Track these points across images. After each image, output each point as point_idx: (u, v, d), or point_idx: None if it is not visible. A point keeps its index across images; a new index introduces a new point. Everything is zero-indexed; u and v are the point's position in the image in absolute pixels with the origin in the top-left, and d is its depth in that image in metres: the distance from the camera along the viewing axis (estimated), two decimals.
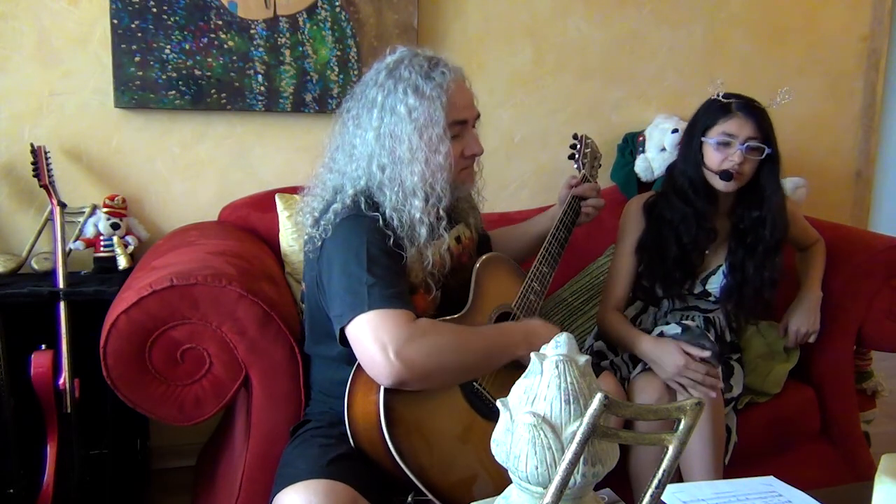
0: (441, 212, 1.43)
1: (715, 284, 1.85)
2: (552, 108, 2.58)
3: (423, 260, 1.42)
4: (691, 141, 1.80)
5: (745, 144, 1.72)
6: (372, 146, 1.40)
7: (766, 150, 1.73)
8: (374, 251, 1.34)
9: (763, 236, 1.79)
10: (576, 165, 1.90)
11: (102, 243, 2.08)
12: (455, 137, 1.43)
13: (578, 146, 1.92)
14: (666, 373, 1.67)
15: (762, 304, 1.85)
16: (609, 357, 1.87)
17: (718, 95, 1.79)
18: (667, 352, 1.67)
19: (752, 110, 1.74)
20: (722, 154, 1.74)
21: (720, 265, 1.85)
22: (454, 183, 1.46)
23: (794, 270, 2.03)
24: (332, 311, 1.35)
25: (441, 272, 1.47)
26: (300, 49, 2.25)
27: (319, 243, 1.40)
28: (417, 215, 1.39)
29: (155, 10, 2.11)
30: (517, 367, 1.47)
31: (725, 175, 1.73)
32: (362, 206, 1.38)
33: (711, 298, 1.86)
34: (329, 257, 1.37)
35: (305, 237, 1.47)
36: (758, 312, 1.91)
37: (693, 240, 1.80)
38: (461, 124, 1.45)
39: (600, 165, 1.98)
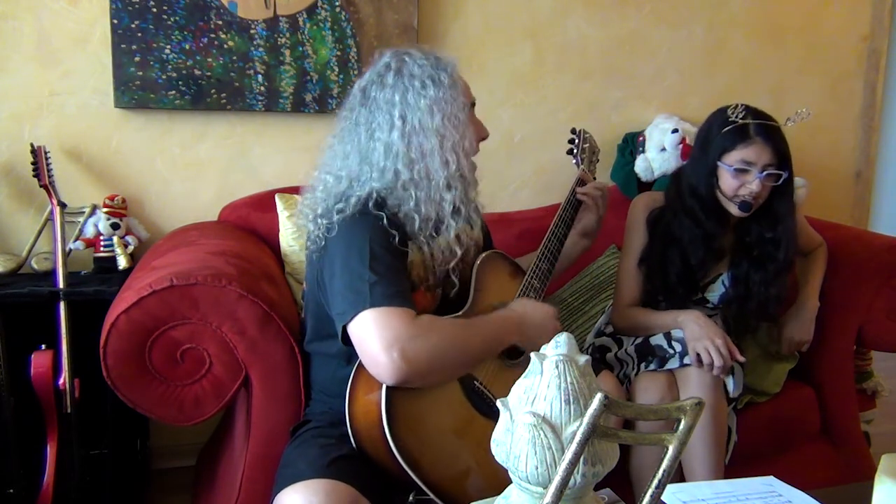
0: (472, 196, 1.47)
1: (714, 293, 1.83)
2: (552, 108, 2.58)
3: (443, 254, 1.44)
4: (705, 161, 1.73)
5: (764, 172, 1.66)
6: (397, 146, 1.40)
7: (784, 176, 1.69)
8: (377, 249, 1.34)
9: (776, 257, 1.76)
10: (574, 161, 1.90)
11: (102, 243, 2.08)
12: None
13: (577, 141, 1.92)
14: (699, 333, 1.65)
15: (765, 318, 1.84)
16: (613, 350, 1.86)
17: (736, 115, 1.69)
18: (711, 323, 1.68)
19: (771, 134, 1.67)
20: (738, 181, 1.68)
21: (720, 275, 1.83)
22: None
23: (794, 272, 2.03)
24: (333, 309, 1.35)
25: (445, 268, 1.47)
26: (300, 49, 2.25)
27: (322, 241, 1.40)
28: (448, 208, 1.41)
29: (155, 10, 2.11)
30: (515, 363, 1.48)
31: (744, 206, 1.68)
32: (370, 205, 1.38)
33: (710, 305, 1.85)
34: (332, 254, 1.37)
35: (308, 237, 1.47)
36: (758, 326, 1.90)
37: (700, 261, 1.77)
38: (471, 108, 1.49)
39: (598, 160, 1.98)
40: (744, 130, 1.67)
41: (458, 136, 1.41)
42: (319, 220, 1.41)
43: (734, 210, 1.72)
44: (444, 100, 1.40)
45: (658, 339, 1.75)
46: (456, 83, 1.43)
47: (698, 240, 1.76)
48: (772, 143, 1.66)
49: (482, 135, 1.53)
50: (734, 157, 1.68)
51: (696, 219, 1.75)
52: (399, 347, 1.24)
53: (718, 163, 1.70)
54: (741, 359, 1.66)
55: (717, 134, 1.71)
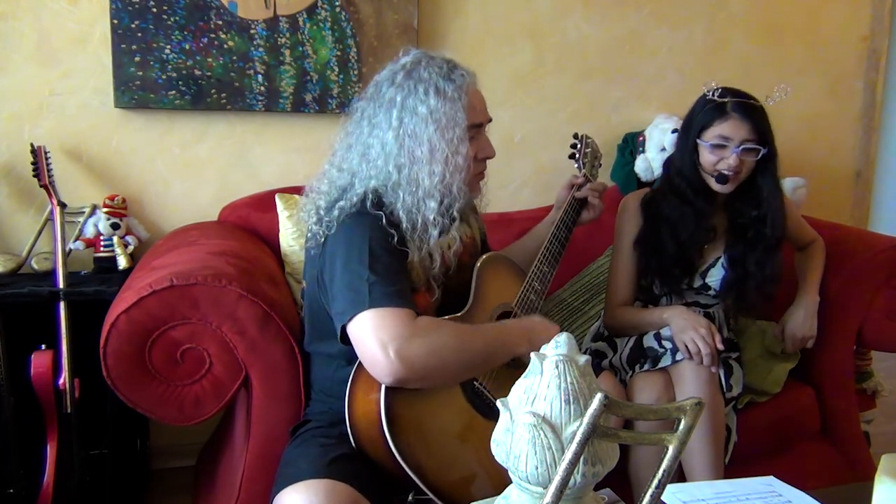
0: (455, 213, 1.44)
1: (715, 277, 1.84)
2: (552, 108, 2.58)
3: (431, 259, 1.43)
4: (687, 140, 1.79)
5: (741, 147, 1.70)
6: (391, 146, 1.40)
7: (762, 151, 1.72)
8: (377, 249, 1.34)
9: (764, 234, 1.78)
10: (576, 165, 1.91)
11: (102, 243, 2.08)
12: (471, 140, 1.44)
13: (579, 146, 1.92)
14: (684, 325, 1.68)
15: (764, 298, 1.85)
16: (608, 356, 1.87)
17: (714, 95, 1.74)
18: (695, 315, 1.72)
19: (748, 111, 1.70)
20: (717, 156, 1.72)
21: (719, 257, 1.84)
22: (468, 186, 1.47)
23: (794, 270, 2.03)
24: (333, 309, 1.35)
25: (444, 272, 1.47)
26: (300, 49, 2.25)
27: (322, 240, 1.40)
28: (431, 217, 1.39)
29: (155, 10, 2.11)
30: (518, 366, 1.48)
31: (721, 178, 1.73)
32: (368, 204, 1.38)
33: (711, 292, 1.86)
34: (331, 254, 1.37)
35: (308, 234, 1.47)
36: (759, 307, 1.91)
37: (691, 237, 1.80)
38: (477, 127, 1.47)
39: (601, 165, 1.99)
40: (721, 107, 1.72)
41: (448, 151, 1.39)
42: (322, 216, 1.41)
43: (713, 184, 1.75)
44: (442, 112, 1.39)
45: (649, 341, 1.77)
46: (459, 98, 1.41)
47: (688, 216, 1.79)
48: (749, 119, 1.70)
49: (486, 154, 1.51)
50: (712, 133, 1.72)
51: (684, 196, 1.79)
52: (396, 347, 1.24)
53: (698, 140, 1.75)
54: (721, 346, 1.68)
55: (698, 114, 1.77)
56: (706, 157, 1.74)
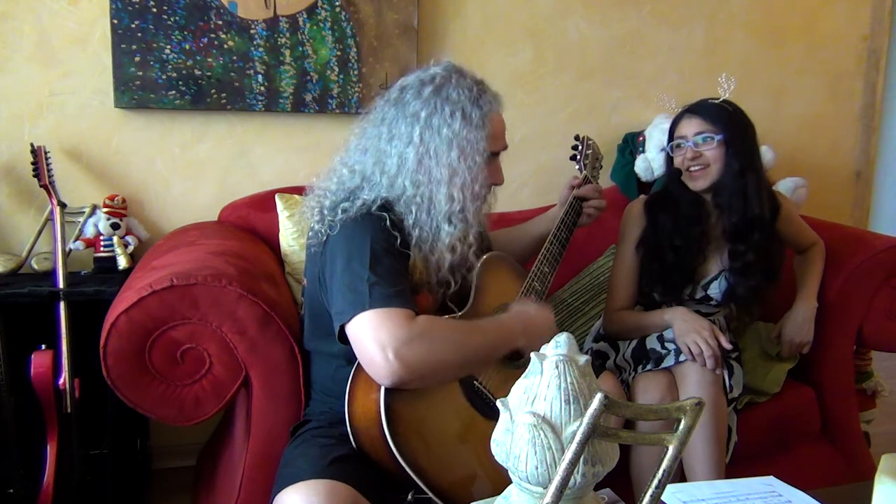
0: (471, 239, 1.44)
1: (716, 290, 1.84)
2: (552, 108, 2.58)
3: (440, 269, 1.43)
4: (668, 156, 1.89)
5: (694, 138, 1.78)
6: (410, 162, 1.39)
7: (717, 137, 1.76)
8: (378, 249, 1.33)
9: (746, 215, 1.78)
10: (577, 167, 1.91)
11: (102, 243, 2.08)
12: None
13: (580, 147, 1.92)
14: (686, 328, 1.70)
15: (768, 276, 1.83)
16: (610, 356, 1.87)
17: (675, 110, 1.87)
18: (697, 316, 1.74)
19: (696, 108, 1.81)
20: (680, 156, 1.81)
21: (722, 270, 1.84)
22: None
23: (793, 273, 2.03)
24: (332, 308, 1.35)
25: (446, 275, 1.47)
26: (300, 49, 2.25)
27: (324, 238, 1.40)
28: (447, 241, 1.40)
29: (155, 10, 2.11)
30: (516, 364, 1.48)
31: (679, 173, 1.82)
32: (374, 208, 1.38)
33: (713, 303, 1.86)
34: (333, 253, 1.37)
35: (310, 232, 1.47)
36: (760, 300, 1.90)
37: (686, 241, 1.80)
38: (495, 155, 1.47)
39: (601, 167, 1.99)
40: (678, 116, 1.86)
41: (469, 177, 1.39)
42: (325, 215, 1.41)
43: (689, 183, 1.82)
44: (465, 138, 1.38)
45: (652, 343, 1.77)
46: (484, 126, 1.40)
47: (681, 223, 1.83)
48: (698, 114, 1.80)
49: (495, 181, 1.50)
50: (673, 138, 1.85)
51: (676, 202, 1.85)
52: (395, 349, 1.24)
53: (667, 150, 1.86)
54: (727, 346, 1.69)
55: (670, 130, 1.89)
56: (675, 160, 1.83)
